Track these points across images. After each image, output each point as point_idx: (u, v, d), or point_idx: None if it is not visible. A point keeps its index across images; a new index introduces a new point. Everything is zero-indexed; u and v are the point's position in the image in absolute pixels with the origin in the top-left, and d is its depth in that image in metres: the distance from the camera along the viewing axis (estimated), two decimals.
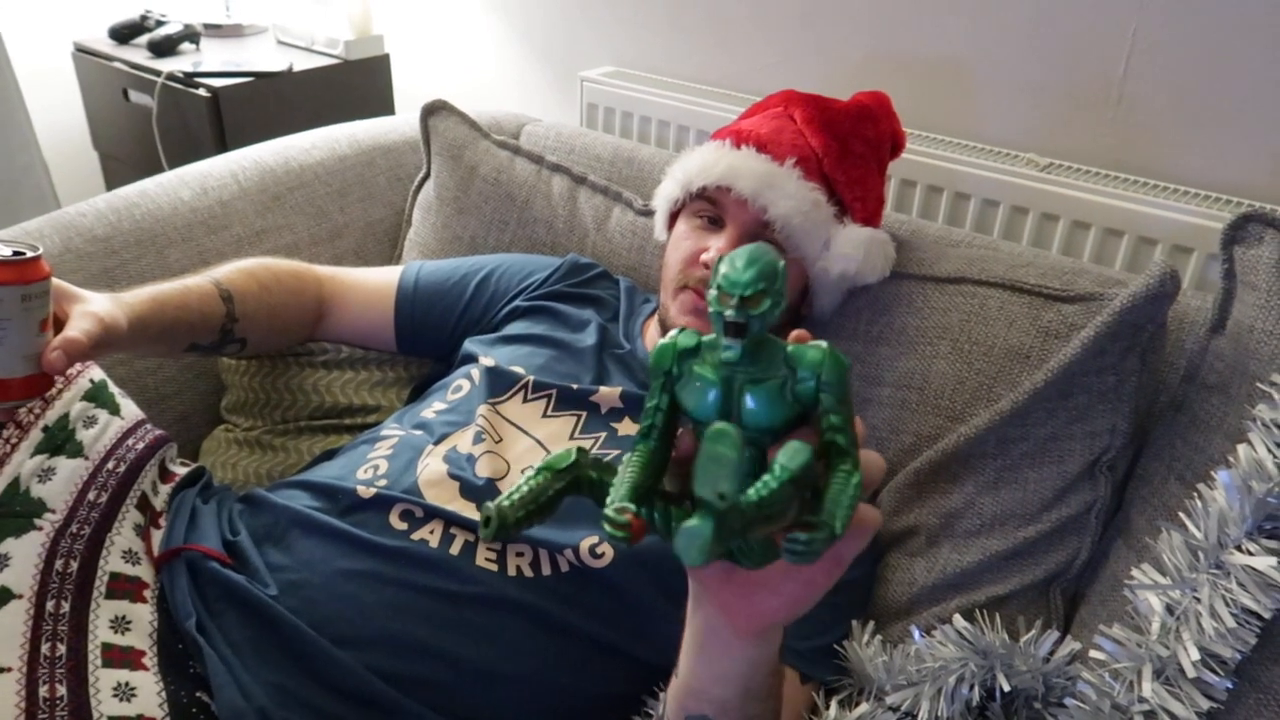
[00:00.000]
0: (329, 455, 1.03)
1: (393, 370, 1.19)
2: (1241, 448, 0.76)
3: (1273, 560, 0.72)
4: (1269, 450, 0.75)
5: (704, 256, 0.96)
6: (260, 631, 0.77)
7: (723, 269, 0.44)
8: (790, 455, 0.39)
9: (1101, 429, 0.88)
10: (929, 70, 1.33)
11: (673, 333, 0.48)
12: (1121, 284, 0.91)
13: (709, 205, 0.99)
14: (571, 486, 0.47)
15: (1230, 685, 0.73)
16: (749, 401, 0.44)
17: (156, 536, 0.84)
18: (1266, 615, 0.72)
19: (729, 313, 0.43)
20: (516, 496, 0.45)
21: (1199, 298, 0.97)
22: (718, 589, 0.52)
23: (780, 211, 0.94)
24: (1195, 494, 0.78)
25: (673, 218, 1.06)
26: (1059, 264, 0.98)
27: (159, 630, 0.76)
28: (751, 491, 0.38)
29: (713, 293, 0.44)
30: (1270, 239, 0.83)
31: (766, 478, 0.39)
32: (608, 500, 0.44)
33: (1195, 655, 0.72)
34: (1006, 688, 0.82)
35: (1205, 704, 0.73)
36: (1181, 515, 0.78)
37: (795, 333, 0.47)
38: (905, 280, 1.01)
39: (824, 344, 0.45)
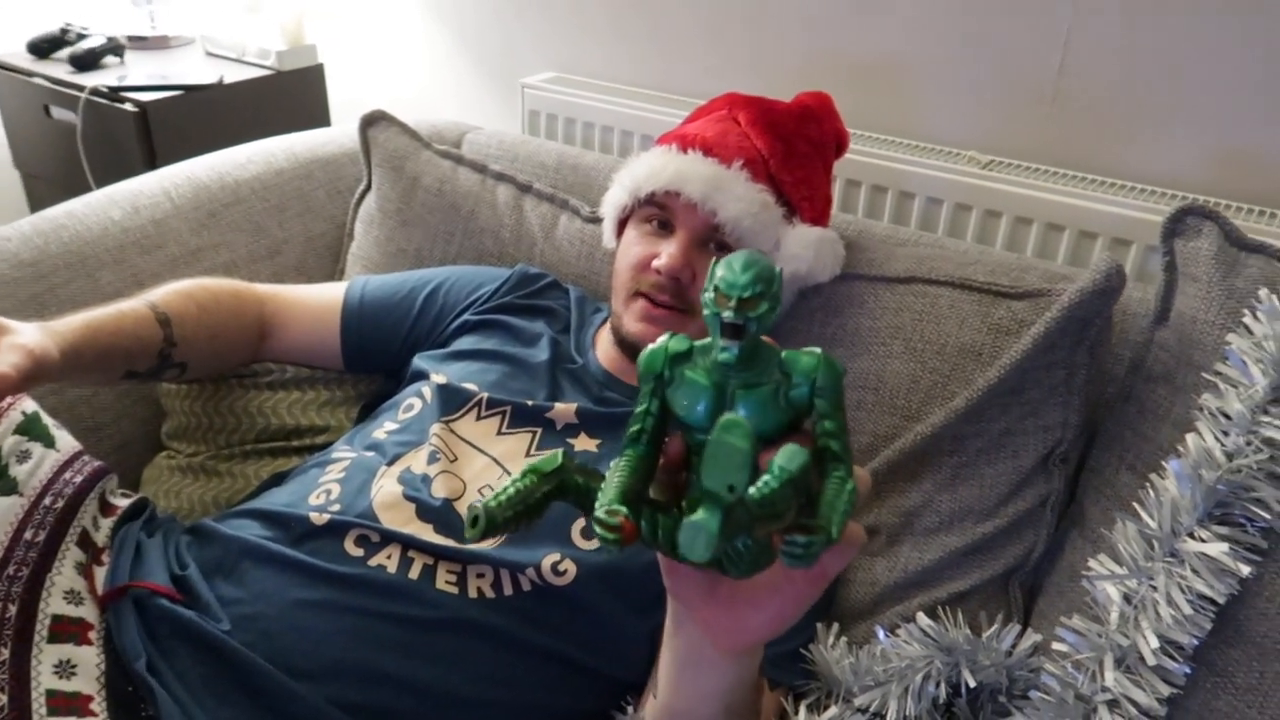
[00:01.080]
0: (278, 479, 1.00)
1: (340, 389, 1.16)
2: (1190, 437, 0.78)
3: (1224, 546, 0.73)
4: (1216, 439, 0.77)
5: (655, 262, 0.95)
6: (214, 668, 0.74)
7: (720, 271, 0.44)
8: (789, 457, 0.39)
9: (1054, 423, 0.89)
10: (869, 71, 1.35)
11: (663, 337, 0.48)
12: (1068, 279, 0.92)
13: (658, 210, 0.98)
14: (557, 491, 0.46)
15: (1188, 671, 0.75)
16: (742, 407, 0.44)
17: (100, 574, 0.80)
18: (1221, 600, 0.74)
19: (727, 314, 0.42)
20: (504, 498, 0.44)
21: (1140, 289, 0.99)
22: (700, 606, 0.51)
23: (730, 214, 0.94)
24: (1148, 484, 0.79)
25: (621, 224, 1.05)
26: (1006, 261, 0.99)
27: (107, 673, 0.73)
28: (754, 490, 0.38)
29: (709, 295, 0.44)
30: (1208, 231, 0.85)
31: (767, 477, 0.38)
32: (597, 504, 0.43)
33: (1155, 643, 0.74)
34: (972, 683, 0.82)
35: (1166, 690, 0.74)
36: (1135, 505, 0.79)
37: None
38: (856, 281, 1.02)
39: (818, 350, 0.45)
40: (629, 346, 0.97)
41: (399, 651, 0.76)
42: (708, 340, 0.46)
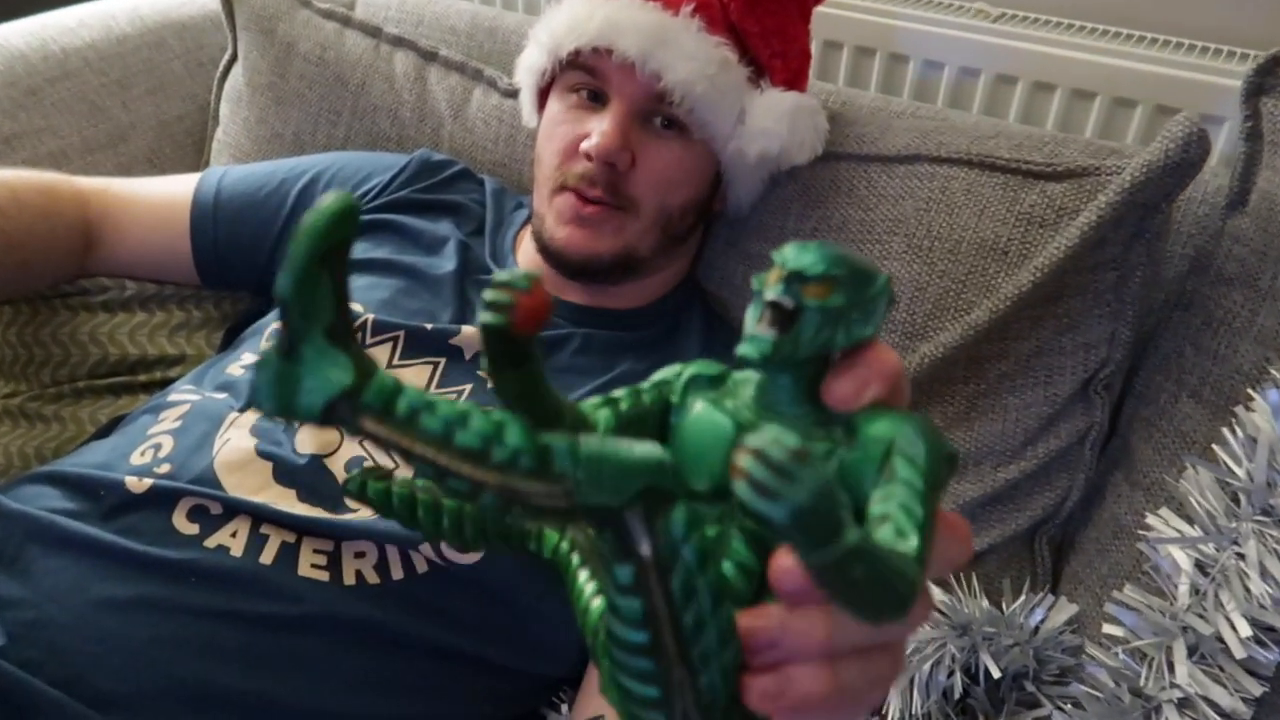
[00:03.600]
0: (117, 425, 0.79)
1: (199, 309, 0.94)
2: None
3: None
4: None
5: (584, 145, 0.74)
6: None
7: (786, 249, 0.28)
8: None
9: (1098, 339, 0.70)
10: None
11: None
12: (1118, 154, 0.72)
13: (586, 75, 0.77)
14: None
15: (1279, 660, 0.58)
16: None
17: None
18: None
19: (771, 291, 0.27)
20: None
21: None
22: None
23: (679, 77, 0.73)
24: (1232, 418, 0.61)
25: (543, 95, 0.83)
26: (1035, 134, 0.78)
27: None
28: None
29: (759, 275, 0.29)
30: None
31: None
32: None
33: (1246, 630, 0.56)
34: (996, 673, 0.65)
35: (1257, 689, 0.57)
36: (1215, 447, 0.61)
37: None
38: (842, 161, 0.81)
39: (909, 416, 0.27)
40: (554, 256, 0.78)
41: (245, 662, 0.59)
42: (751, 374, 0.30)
